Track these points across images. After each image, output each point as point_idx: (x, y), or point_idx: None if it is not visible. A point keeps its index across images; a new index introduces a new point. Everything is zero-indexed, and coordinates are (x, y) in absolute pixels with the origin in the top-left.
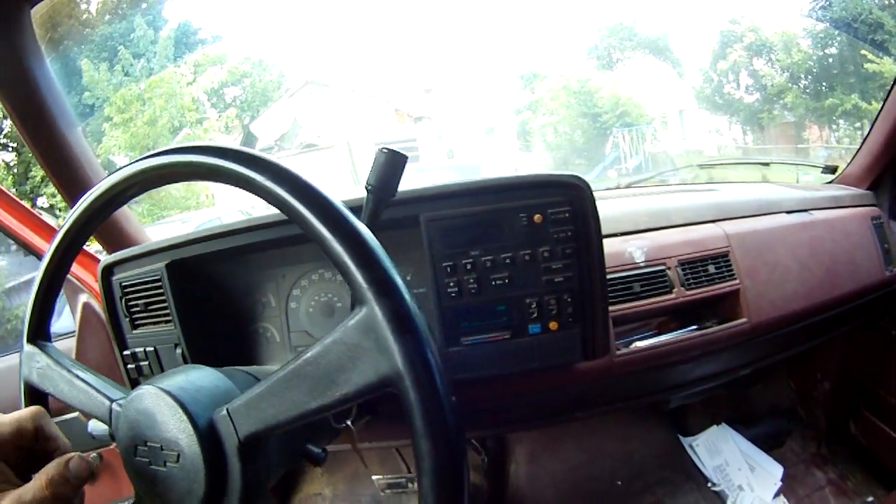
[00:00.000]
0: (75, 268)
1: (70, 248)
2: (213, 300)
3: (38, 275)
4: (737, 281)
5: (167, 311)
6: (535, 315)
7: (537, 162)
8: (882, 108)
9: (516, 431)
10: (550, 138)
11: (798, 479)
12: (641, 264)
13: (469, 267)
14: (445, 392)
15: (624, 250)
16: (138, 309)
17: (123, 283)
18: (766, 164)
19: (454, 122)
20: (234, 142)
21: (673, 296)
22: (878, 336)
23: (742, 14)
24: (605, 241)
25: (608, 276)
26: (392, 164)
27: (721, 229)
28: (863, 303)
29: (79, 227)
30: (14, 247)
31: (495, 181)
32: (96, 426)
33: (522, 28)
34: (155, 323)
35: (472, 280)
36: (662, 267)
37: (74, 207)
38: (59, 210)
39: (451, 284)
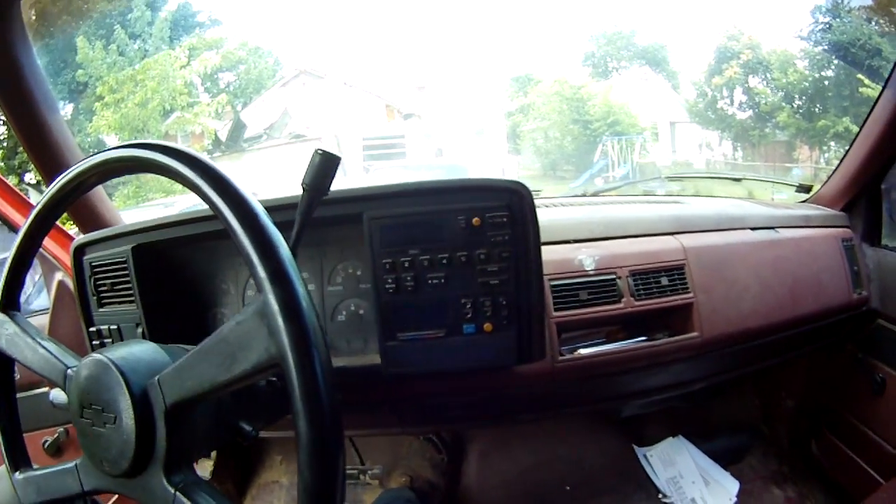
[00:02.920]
0: (53, 247)
1: (41, 226)
2: (174, 283)
3: (12, 249)
4: (690, 294)
5: (132, 292)
6: (470, 315)
7: (525, 165)
8: (861, 129)
9: (465, 428)
10: (540, 143)
11: (755, 495)
12: (591, 272)
13: (407, 265)
14: (324, 378)
15: (574, 258)
16: (105, 288)
17: (93, 263)
18: (738, 180)
19: (444, 120)
20: (223, 128)
21: (621, 305)
22: (844, 358)
23: (741, 31)
24: (556, 248)
25: (555, 283)
26: (325, 165)
27: (678, 242)
28: (829, 324)
29: (50, 207)
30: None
31: (437, 183)
32: (57, 395)
33: (520, 30)
34: (120, 302)
35: (409, 278)
36: (612, 276)
37: (48, 189)
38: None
39: (390, 281)
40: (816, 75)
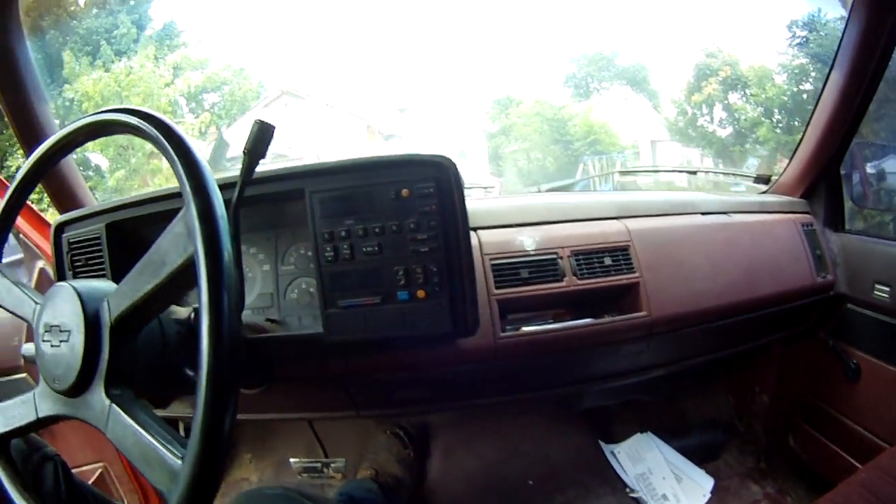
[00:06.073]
0: (35, 236)
1: (23, 190)
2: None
3: None
4: (636, 274)
5: (104, 267)
6: (403, 282)
7: (508, 187)
8: (811, 115)
9: (420, 412)
10: (522, 163)
11: (732, 491)
12: (531, 252)
13: (344, 234)
14: (228, 266)
15: (514, 239)
16: (80, 263)
17: (70, 240)
18: (694, 173)
19: (426, 142)
20: (206, 148)
21: (563, 284)
22: (816, 346)
23: (719, 49)
24: (498, 231)
25: (496, 262)
26: (263, 133)
27: (623, 225)
28: (795, 308)
29: (30, 175)
30: None
31: (370, 159)
32: (28, 348)
33: (502, 53)
34: (93, 276)
35: (346, 246)
36: (554, 256)
37: (26, 162)
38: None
39: (329, 249)
40: (795, 89)
